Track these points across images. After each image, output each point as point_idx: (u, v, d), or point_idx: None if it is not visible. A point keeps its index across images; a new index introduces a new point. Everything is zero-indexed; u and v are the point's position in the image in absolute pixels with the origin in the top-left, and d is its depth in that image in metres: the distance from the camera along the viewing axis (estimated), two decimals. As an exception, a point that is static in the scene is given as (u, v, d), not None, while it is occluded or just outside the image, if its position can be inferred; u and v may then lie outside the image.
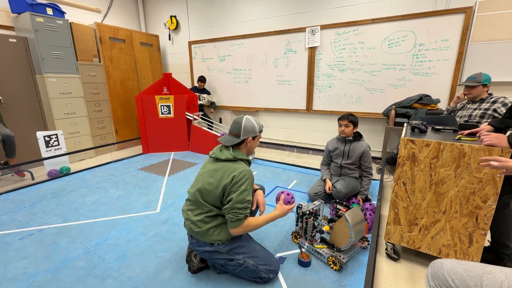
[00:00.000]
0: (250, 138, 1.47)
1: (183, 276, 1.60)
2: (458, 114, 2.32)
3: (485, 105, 2.08)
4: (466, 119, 2.15)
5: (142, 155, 4.25)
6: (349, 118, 2.38)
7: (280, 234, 2.02)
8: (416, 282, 1.56)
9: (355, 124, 2.40)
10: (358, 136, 2.47)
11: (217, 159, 1.45)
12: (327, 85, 3.95)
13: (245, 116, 1.48)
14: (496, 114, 2.00)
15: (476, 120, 2.08)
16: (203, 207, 1.43)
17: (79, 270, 1.65)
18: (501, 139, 1.31)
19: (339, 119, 2.44)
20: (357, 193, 2.45)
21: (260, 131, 1.53)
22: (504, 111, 1.92)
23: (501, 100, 2.01)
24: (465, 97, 2.25)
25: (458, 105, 2.38)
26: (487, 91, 2.13)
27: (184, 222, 1.57)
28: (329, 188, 2.42)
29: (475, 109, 2.13)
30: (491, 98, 2.08)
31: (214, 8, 4.69)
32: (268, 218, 1.47)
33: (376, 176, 3.24)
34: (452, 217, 1.49)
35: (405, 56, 3.33)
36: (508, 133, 1.44)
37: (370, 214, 2.09)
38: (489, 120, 1.99)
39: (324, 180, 2.53)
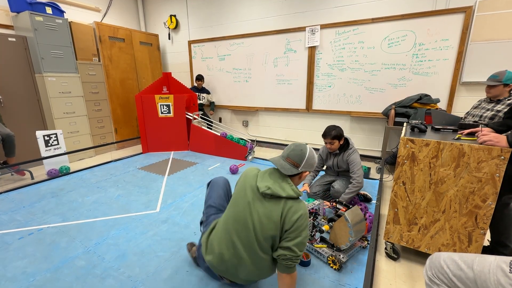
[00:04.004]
0: (307, 172, 1.24)
1: (183, 275, 1.60)
2: (472, 112, 2.17)
3: (499, 107, 1.94)
4: (477, 119, 2.04)
5: (142, 154, 4.25)
6: (332, 135, 2.23)
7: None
8: (415, 281, 1.57)
9: (339, 138, 2.28)
10: (346, 145, 2.34)
11: (273, 196, 1.16)
12: (327, 84, 3.94)
13: (309, 146, 1.24)
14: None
15: (485, 122, 1.95)
16: (257, 249, 1.19)
17: (78, 270, 1.65)
18: (500, 138, 1.31)
19: (322, 136, 2.31)
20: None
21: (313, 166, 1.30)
22: None
23: None
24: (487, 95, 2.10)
25: (475, 102, 2.23)
26: (511, 90, 1.95)
27: (211, 261, 1.29)
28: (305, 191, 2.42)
29: (488, 109, 2.00)
30: (508, 100, 1.92)
31: (214, 7, 4.68)
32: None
33: (376, 175, 3.25)
34: (451, 217, 1.49)
35: (405, 55, 3.33)
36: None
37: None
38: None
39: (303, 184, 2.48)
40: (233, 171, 3.30)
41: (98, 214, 2.34)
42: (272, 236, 1.16)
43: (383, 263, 1.73)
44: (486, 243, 1.71)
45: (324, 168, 2.68)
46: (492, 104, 2.01)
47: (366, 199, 2.54)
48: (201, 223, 1.57)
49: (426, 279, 1.03)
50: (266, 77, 4.44)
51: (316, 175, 2.61)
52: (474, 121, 2.03)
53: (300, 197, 1.19)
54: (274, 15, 4.15)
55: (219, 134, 4.05)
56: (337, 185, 2.35)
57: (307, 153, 1.20)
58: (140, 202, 2.56)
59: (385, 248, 1.78)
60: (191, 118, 4.27)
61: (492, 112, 1.95)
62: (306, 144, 1.25)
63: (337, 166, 2.44)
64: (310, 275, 1.60)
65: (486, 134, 1.38)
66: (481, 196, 1.39)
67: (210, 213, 1.50)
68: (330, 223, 1.75)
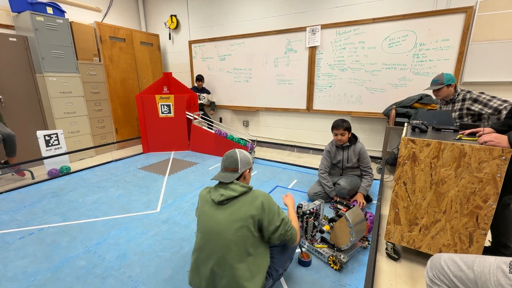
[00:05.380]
0: (248, 170, 1.38)
1: (183, 275, 1.60)
2: None
3: (457, 105, 2.15)
4: None
5: (142, 154, 4.25)
6: (344, 126, 2.33)
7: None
8: (416, 282, 1.56)
9: (349, 130, 2.38)
10: (354, 139, 2.45)
11: (228, 200, 1.24)
12: (328, 84, 3.94)
13: (236, 149, 1.38)
14: (472, 113, 2.08)
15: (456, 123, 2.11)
16: (240, 256, 1.19)
17: (79, 270, 1.66)
18: (501, 138, 1.31)
19: (333, 128, 2.38)
20: (356, 192, 2.44)
21: (252, 162, 1.47)
22: (478, 107, 2.02)
23: (468, 96, 2.07)
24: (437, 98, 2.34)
25: (437, 106, 2.46)
26: (455, 88, 2.18)
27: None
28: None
29: (452, 111, 2.18)
30: (458, 95, 2.14)
31: (214, 7, 4.68)
32: (293, 212, 1.49)
33: (377, 176, 3.24)
34: (452, 217, 1.49)
35: (406, 55, 3.33)
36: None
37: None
38: (487, 122, 2.03)
39: (333, 197, 2.40)
40: (234, 171, 3.29)
41: (98, 214, 2.34)
42: (245, 225, 1.18)
43: (384, 263, 1.73)
44: (487, 243, 1.70)
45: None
46: (450, 105, 2.23)
47: (367, 199, 2.53)
48: None
49: (427, 280, 1.03)
50: (266, 77, 4.44)
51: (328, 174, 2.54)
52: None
53: (252, 189, 1.30)
54: (275, 15, 4.14)
55: (219, 134, 4.05)
56: (343, 182, 2.36)
57: (238, 155, 1.34)
58: (141, 202, 2.56)
59: (386, 249, 1.78)
60: (191, 118, 4.27)
61: (457, 113, 2.16)
62: (234, 149, 1.39)
63: (347, 160, 2.45)
64: (310, 275, 1.60)
65: (487, 134, 1.37)
66: (482, 197, 1.39)
67: None
68: (331, 223, 1.75)
